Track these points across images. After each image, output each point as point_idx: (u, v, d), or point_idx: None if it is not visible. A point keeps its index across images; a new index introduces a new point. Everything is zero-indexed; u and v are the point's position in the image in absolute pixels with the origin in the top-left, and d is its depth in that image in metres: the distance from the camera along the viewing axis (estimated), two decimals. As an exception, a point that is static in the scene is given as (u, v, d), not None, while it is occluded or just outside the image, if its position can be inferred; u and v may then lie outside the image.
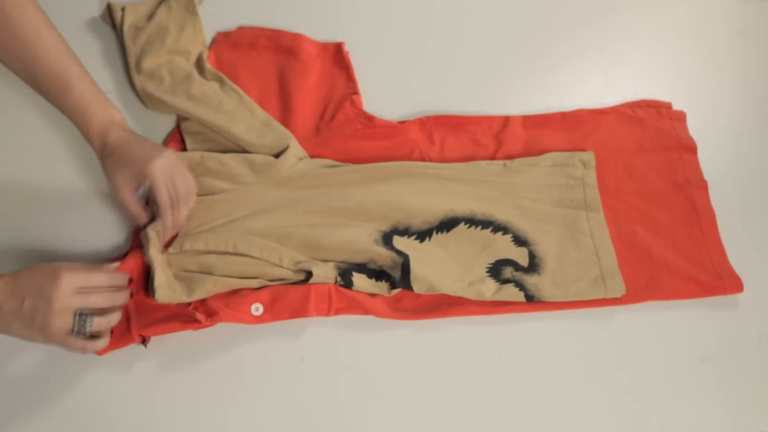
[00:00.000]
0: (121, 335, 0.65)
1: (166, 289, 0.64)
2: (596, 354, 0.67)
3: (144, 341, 0.65)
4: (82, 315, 0.59)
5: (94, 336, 0.62)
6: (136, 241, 0.70)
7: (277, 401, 0.64)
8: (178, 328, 0.65)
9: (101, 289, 0.61)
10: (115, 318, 0.62)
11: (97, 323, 0.60)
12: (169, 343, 0.66)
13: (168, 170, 0.65)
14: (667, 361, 0.67)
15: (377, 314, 0.68)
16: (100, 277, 0.61)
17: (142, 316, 0.65)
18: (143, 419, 0.63)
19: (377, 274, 0.69)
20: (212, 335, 0.66)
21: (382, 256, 0.69)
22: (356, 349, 0.67)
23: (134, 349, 0.65)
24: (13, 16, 0.65)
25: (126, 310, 0.65)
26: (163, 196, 0.65)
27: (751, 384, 0.67)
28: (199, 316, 0.64)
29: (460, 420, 0.64)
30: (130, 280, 0.65)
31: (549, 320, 0.69)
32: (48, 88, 0.66)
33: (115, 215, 0.73)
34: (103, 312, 0.61)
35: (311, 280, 0.67)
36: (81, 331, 0.60)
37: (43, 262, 0.61)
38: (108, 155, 0.66)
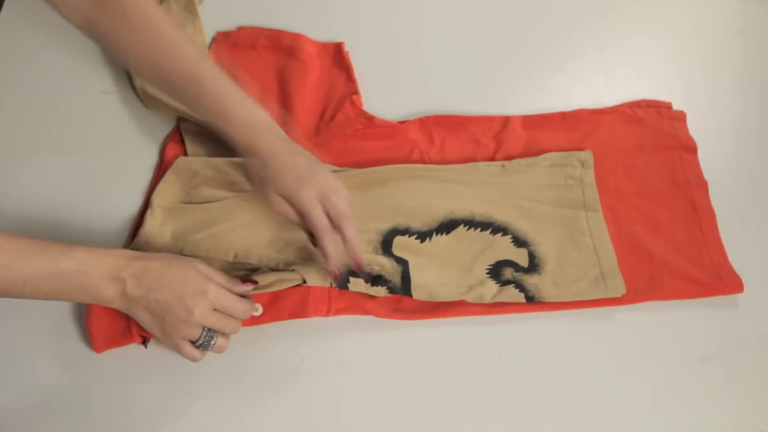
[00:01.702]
0: (121, 335, 0.65)
1: None
2: (596, 354, 0.67)
3: (144, 342, 0.65)
4: (210, 331, 0.61)
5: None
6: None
7: (277, 401, 0.64)
8: (179, 328, 0.65)
9: (235, 317, 0.62)
10: (227, 344, 0.63)
11: (219, 343, 0.62)
12: (169, 343, 0.66)
13: (319, 193, 0.63)
14: (667, 361, 0.67)
15: (377, 314, 0.68)
16: (239, 306, 0.61)
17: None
18: (143, 419, 0.63)
19: (374, 279, 0.68)
20: (212, 335, 0.66)
21: (381, 263, 0.69)
22: (356, 349, 0.67)
23: (134, 349, 0.65)
24: (138, 21, 0.65)
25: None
26: (317, 222, 0.62)
27: (751, 384, 0.66)
28: None
29: (460, 420, 0.64)
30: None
31: (549, 320, 0.69)
32: (183, 91, 0.65)
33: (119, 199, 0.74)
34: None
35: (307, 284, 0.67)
36: (204, 345, 0.61)
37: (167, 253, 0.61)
38: (256, 166, 0.64)
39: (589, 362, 0.67)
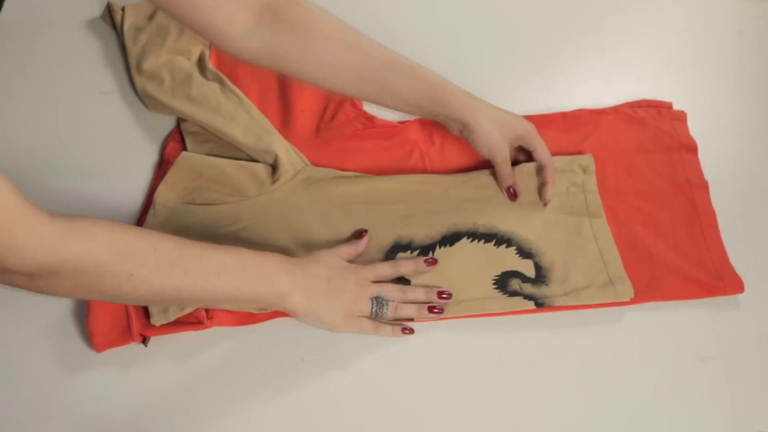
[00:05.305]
0: (122, 334, 0.65)
1: (160, 315, 0.64)
2: (596, 355, 0.67)
3: (144, 341, 0.65)
4: (379, 299, 0.66)
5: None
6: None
7: (277, 401, 0.64)
8: (179, 328, 0.65)
9: (392, 284, 0.68)
10: (406, 310, 0.67)
11: (392, 310, 0.66)
12: (169, 342, 0.66)
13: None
14: (668, 361, 0.67)
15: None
16: (384, 268, 0.67)
17: (143, 316, 0.65)
18: (143, 419, 0.63)
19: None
20: (212, 335, 0.66)
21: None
22: (356, 349, 0.67)
23: (134, 348, 0.65)
24: (324, 28, 0.67)
25: (126, 309, 0.65)
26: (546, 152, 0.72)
27: (751, 384, 0.66)
28: (201, 315, 0.64)
29: (460, 420, 0.63)
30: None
31: (550, 321, 0.69)
32: (388, 82, 0.69)
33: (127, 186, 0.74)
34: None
35: None
36: (379, 314, 0.66)
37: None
38: (470, 130, 0.70)
39: (590, 362, 0.67)
